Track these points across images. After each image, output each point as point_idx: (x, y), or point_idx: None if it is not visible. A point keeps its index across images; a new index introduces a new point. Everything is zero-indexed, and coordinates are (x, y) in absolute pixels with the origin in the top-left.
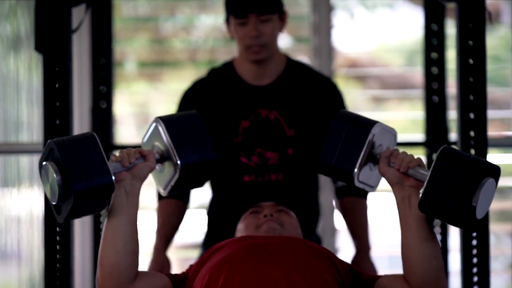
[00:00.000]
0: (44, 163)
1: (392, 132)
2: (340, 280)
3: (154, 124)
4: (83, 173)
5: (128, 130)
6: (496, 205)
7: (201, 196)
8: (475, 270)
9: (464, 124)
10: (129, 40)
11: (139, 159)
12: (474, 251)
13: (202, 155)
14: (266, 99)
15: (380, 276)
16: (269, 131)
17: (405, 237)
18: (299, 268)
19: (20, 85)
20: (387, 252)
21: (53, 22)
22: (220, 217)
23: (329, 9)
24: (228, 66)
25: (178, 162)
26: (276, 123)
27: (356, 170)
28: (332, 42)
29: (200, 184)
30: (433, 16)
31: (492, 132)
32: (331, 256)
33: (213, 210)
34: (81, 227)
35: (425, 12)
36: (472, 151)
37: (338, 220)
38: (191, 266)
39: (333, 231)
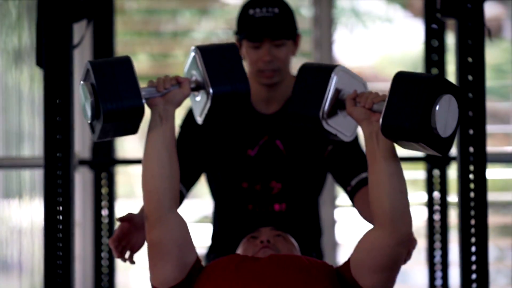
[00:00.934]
0: (81, 83)
1: (358, 80)
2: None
3: (192, 54)
4: (114, 94)
5: (132, 144)
6: (498, 220)
7: (202, 210)
8: (474, 285)
9: (463, 140)
10: (131, 54)
11: (175, 86)
12: (474, 267)
13: (234, 86)
14: (273, 127)
15: (349, 258)
16: (274, 160)
17: (373, 173)
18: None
19: (22, 97)
20: None
21: (55, 38)
22: (223, 239)
23: (330, 24)
24: None
25: (210, 90)
26: (280, 152)
27: (321, 113)
28: (333, 56)
29: (232, 114)
30: (433, 32)
31: (494, 146)
32: (322, 271)
33: (216, 230)
34: (83, 239)
35: (425, 28)
36: (472, 167)
37: (339, 234)
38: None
39: (334, 245)
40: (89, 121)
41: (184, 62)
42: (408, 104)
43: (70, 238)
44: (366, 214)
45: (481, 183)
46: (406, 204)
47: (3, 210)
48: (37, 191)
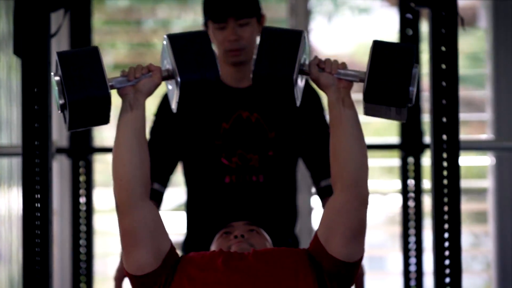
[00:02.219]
0: (51, 74)
1: (310, 47)
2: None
3: (164, 42)
4: (79, 84)
5: (109, 133)
6: (474, 206)
7: (178, 198)
8: (447, 271)
9: (436, 127)
10: (109, 41)
11: (146, 75)
12: (447, 253)
13: (203, 73)
14: (247, 101)
15: (316, 234)
16: (251, 133)
17: (337, 137)
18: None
19: None
20: (366, 253)
21: (32, 27)
22: (200, 218)
23: (306, 13)
24: None
25: (178, 79)
26: (257, 125)
27: (295, 74)
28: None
29: (202, 101)
30: (407, 21)
31: (470, 134)
32: (297, 262)
33: (192, 211)
34: (60, 227)
35: (400, 17)
36: (445, 155)
37: (316, 221)
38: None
39: (310, 232)
40: (59, 111)
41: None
42: (392, 71)
43: (48, 226)
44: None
45: (454, 170)
46: (367, 168)
47: None
48: (15, 179)
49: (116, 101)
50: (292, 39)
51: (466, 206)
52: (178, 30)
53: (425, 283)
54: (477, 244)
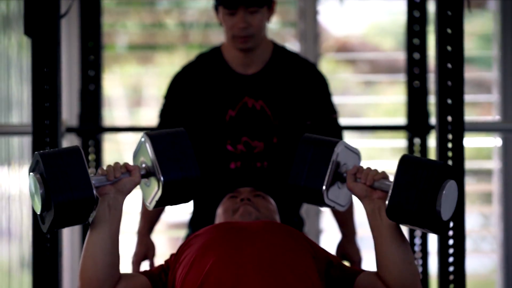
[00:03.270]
0: (30, 174)
1: (356, 152)
2: (317, 260)
3: (142, 140)
4: (65, 186)
5: (120, 112)
6: (483, 187)
7: None
8: (451, 251)
9: (442, 109)
10: (121, 22)
11: (125, 174)
12: (451, 232)
13: (185, 173)
14: (252, 88)
15: (361, 272)
16: (255, 120)
17: (379, 246)
18: (279, 250)
19: (10, 64)
20: (363, 232)
21: (42, 7)
22: (205, 200)
23: None
24: (216, 52)
25: (161, 178)
26: (262, 112)
27: (324, 187)
28: (317, 27)
29: (184, 201)
30: (415, 3)
31: (478, 115)
32: (306, 239)
33: (198, 199)
34: None
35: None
36: (450, 136)
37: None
38: (171, 255)
39: (317, 212)
40: (39, 213)
41: (175, 33)
42: (415, 188)
43: None
44: (337, 215)
45: (459, 151)
46: (415, 273)
47: None
48: (25, 158)
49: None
50: (326, 151)
51: (476, 187)
52: (192, 11)
53: (430, 264)
54: (487, 225)
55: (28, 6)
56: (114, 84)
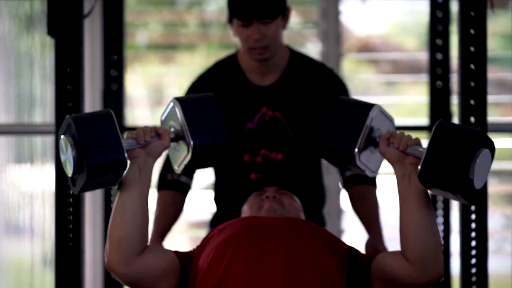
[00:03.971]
0: (62, 137)
1: (390, 119)
2: (339, 259)
3: (171, 105)
4: (97, 149)
5: (142, 112)
6: (507, 188)
7: (206, 178)
8: (474, 252)
9: (464, 110)
10: (142, 21)
11: (154, 137)
12: (473, 234)
13: (214, 137)
14: (269, 99)
15: (377, 254)
16: (273, 132)
17: (404, 213)
18: (300, 248)
19: (33, 63)
20: (394, 234)
21: (65, 8)
22: (227, 210)
23: None
24: (233, 61)
25: (191, 142)
26: (278, 124)
27: (356, 149)
28: (339, 26)
29: (212, 165)
30: (438, 3)
31: (503, 115)
32: (330, 236)
33: (219, 201)
34: (93, 204)
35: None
36: None
37: (344, 201)
38: (197, 246)
39: (339, 212)
40: (70, 175)
41: (196, 32)
42: (450, 155)
43: (81, 204)
44: (358, 210)
45: None
46: (438, 245)
47: (15, 175)
48: (48, 156)
49: None
50: (361, 112)
51: (499, 187)
52: (212, 9)
53: (452, 265)
54: (509, 226)
55: (51, 6)
56: (135, 83)
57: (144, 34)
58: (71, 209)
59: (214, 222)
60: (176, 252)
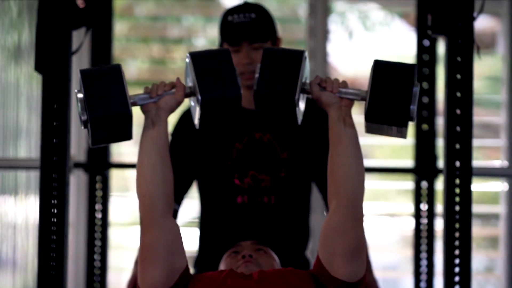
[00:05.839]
0: (75, 91)
1: (308, 67)
2: None
3: (187, 59)
4: (101, 102)
5: (128, 148)
6: (489, 231)
7: (190, 213)
8: None
9: (450, 154)
10: (131, 57)
11: (169, 92)
12: (457, 278)
13: (224, 92)
14: (259, 122)
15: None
16: (263, 153)
17: (338, 156)
18: None
19: (20, 94)
20: (381, 274)
21: (54, 44)
22: (212, 237)
23: (325, 34)
24: None
25: (199, 97)
26: (269, 145)
27: (297, 94)
28: (326, 66)
29: (225, 120)
30: (424, 47)
31: (486, 157)
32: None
33: (204, 229)
34: (76, 240)
35: (417, 43)
36: (457, 181)
37: None
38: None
39: None
40: (82, 127)
41: (182, 68)
42: (393, 91)
43: (64, 240)
44: None
45: (466, 197)
46: (364, 187)
47: None
48: (32, 188)
49: (139, 118)
50: (293, 59)
51: (482, 231)
52: (201, 45)
53: None
54: (492, 268)
55: (39, 42)
56: None
57: (132, 69)
58: (54, 246)
59: (199, 261)
60: (186, 268)
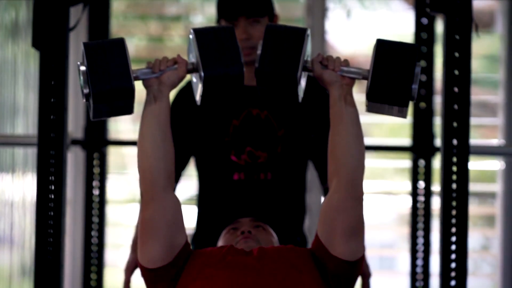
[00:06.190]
0: (78, 63)
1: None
2: (324, 279)
3: (190, 36)
4: (104, 76)
5: (126, 125)
6: (486, 210)
7: (189, 191)
8: (453, 274)
9: (447, 132)
10: (129, 34)
11: (171, 67)
12: (453, 256)
13: (227, 69)
14: (257, 98)
15: (316, 234)
16: (260, 130)
17: (336, 134)
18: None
19: (17, 72)
20: (377, 252)
21: (51, 21)
22: (209, 214)
23: (323, 12)
24: None
25: (202, 73)
26: (267, 122)
27: (299, 72)
28: (324, 45)
29: (227, 97)
30: (423, 26)
31: (483, 136)
32: (309, 255)
33: (202, 206)
34: (73, 217)
35: (415, 21)
36: (455, 159)
37: None
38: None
39: None
40: (84, 101)
41: (181, 45)
42: (395, 70)
43: (61, 216)
44: None
45: (463, 175)
46: (364, 167)
47: None
48: (30, 166)
49: (141, 94)
50: (296, 37)
51: (479, 209)
52: (198, 22)
53: (432, 285)
54: (488, 247)
55: (37, 18)
56: None
57: (130, 46)
58: (52, 222)
59: (196, 238)
60: (186, 243)
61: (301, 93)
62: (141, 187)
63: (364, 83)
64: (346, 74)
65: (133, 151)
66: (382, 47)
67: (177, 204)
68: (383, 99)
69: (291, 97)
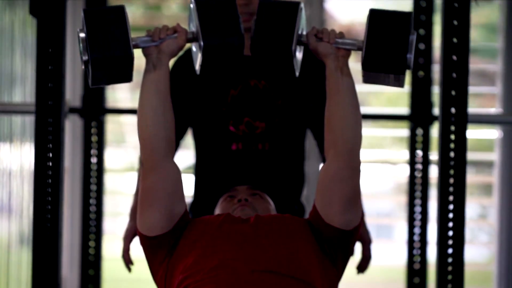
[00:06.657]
0: (78, 30)
1: (304, 19)
2: (318, 250)
3: (191, 5)
4: (103, 43)
5: (123, 94)
6: (483, 179)
7: (186, 160)
8: (450, 242)
9: (445, 100)
10: (125, 4)
11: (171, 36)
12: (451, 224)
13: (226, 38)
14: (255, 68)
15: (314, 203)
16: (258, 100)
17: (333, 105)
18: (273, 257)
19: (14, 40)
20: (375, 221)
21: None
22: (207, 183)
23: None
24: None
25: (201, 43)
26: (265, 92)
27: (293, 45)
28: (323, 13)
29: (226, 65)
30: None
31: (481, 105)
32: (305, 225)
33: (199, 176)
34: (71, 185)
35: None
36: (453, 128)
37: None
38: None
39: None
40: (83, 67)
41: (178, 14)
42: (389, 39)
43: (59, 184)
44: None
45: (461, 143)
46: (361, 137)
47: None
48: (27, 135)
49: (141, 62)
50: (289, 11)
51: (476, 178)
52: None
53: (429, 253)
54: (485, 216)
55: None
56: None
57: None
58: (50, 190)
59: (194, 206)
60: (185, 212)
61: (297, 67)
62: (141, 156)
63: (361, 54)
64: (341, 46)
65: (131, 120)
66: (375, 16)
67: (177, 173)
68: (378, 68)
69: (287, 71)
